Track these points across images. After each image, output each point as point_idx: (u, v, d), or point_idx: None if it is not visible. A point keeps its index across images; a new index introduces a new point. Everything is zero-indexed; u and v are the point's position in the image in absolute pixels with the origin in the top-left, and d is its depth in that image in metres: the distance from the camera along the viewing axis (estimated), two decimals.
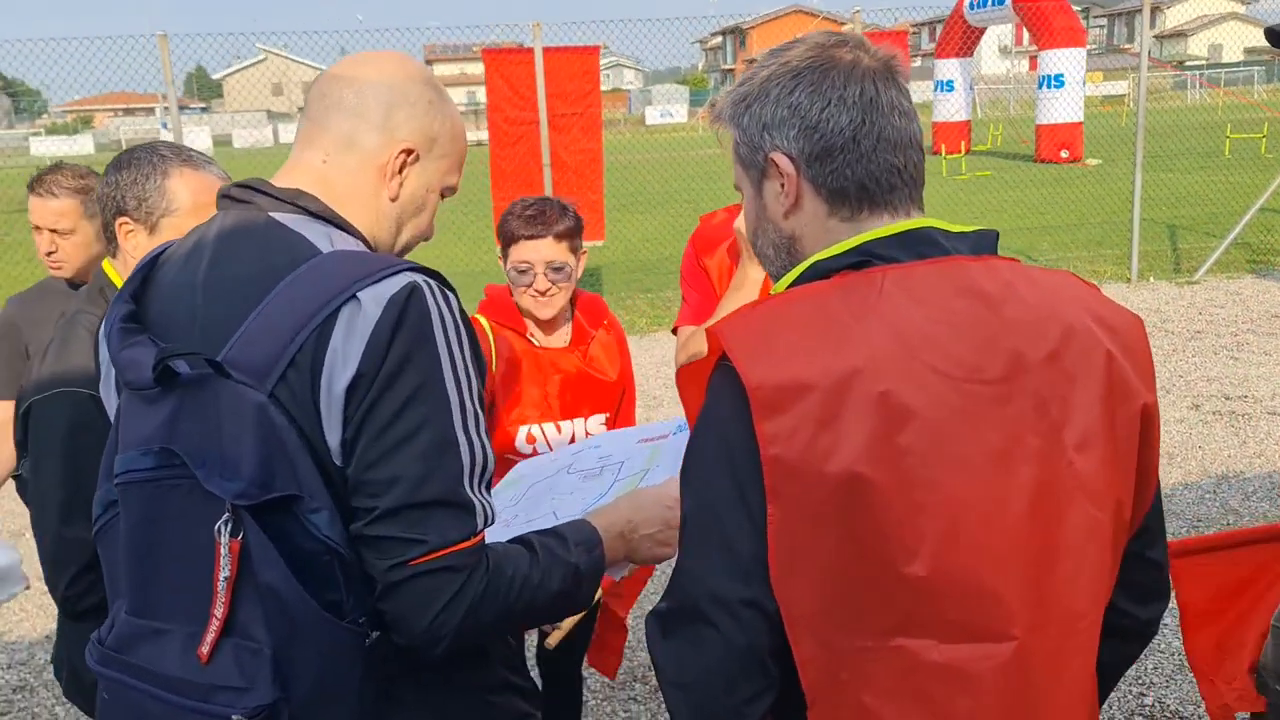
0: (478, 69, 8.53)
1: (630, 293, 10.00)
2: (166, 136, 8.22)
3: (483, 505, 1.24)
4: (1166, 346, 7.26)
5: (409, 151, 1.37)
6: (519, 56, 8.27)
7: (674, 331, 2.40)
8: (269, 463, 1.17)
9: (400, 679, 1.28)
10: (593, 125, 8.49)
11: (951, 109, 23.87)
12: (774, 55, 1.18)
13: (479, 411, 1.26)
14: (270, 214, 1.31)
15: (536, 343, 2.46)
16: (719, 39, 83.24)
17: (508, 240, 2.39)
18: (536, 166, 8.29)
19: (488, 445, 1.27)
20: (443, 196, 1.46)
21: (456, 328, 1.26)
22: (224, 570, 1.18)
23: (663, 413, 6.47)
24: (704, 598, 1.07)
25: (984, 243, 1.16)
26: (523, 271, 2.37)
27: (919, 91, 32.96)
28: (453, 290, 1.30)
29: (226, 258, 1.28)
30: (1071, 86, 20.73)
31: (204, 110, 65.65)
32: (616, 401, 2.58)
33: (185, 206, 1.85)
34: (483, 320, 2.45)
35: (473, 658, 1.36)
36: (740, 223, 2.13)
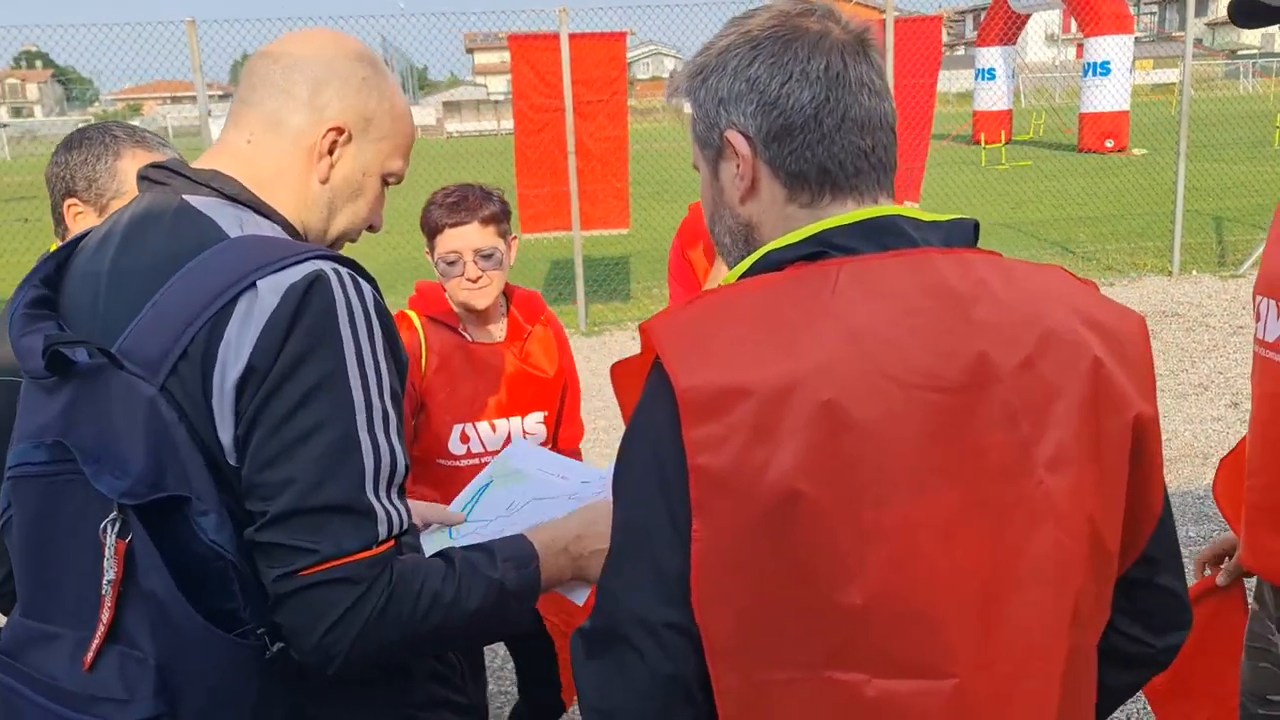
0: None
1: (656, 282, 9.89)
2: (211, 124, 8.25)
3: (388, 513, 1.15)
4: (1207, 342, 7.04)
5: (339, 131, 1.28)
6: (545, 43, 8.17)
7: None
8: (158, 460, 1.09)
9: (310, 693, 1.20)
10: (618, 112, 8.37)
11: (992, 98, 23.43)
12: (735, 23, 1.08)
13: (390, 412, 1.17)
14: (183, 197, 1.23)
15: (470, 338, 2.37)
16: None
17: (432, 231, 2.30)
18: (561, 154, 8.20)
19: (399, 449, 1.18)
20: (385, 183, 1.37)
21: (368, 320, 1.17)
22: (108, 572, 1.10)
23: None
24: (626, 619, 0.97)
25: (958, 234, 1.04)
26: (451, 262, 2.29)
27: (960, 80, 32.40)
28: (369, 280, 1.21)
29: (134, 244, 1.21)
30: (1118, 74, 20.25)
31: None
32: (556, 399, 2.49)
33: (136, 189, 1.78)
34: (413, 315, 2.36)
35: (393, 673, 1.27)
36: None
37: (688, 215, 2.32)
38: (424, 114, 44.54)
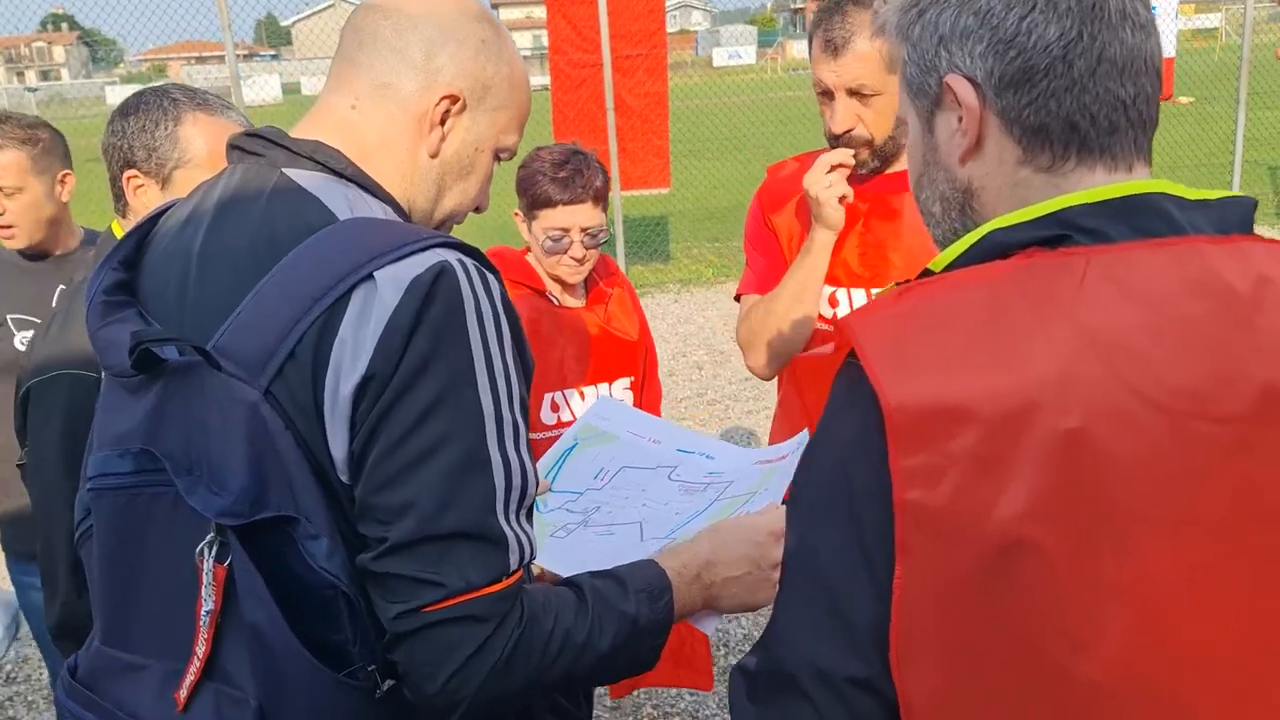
0: (544, 13, 8.22)
1: (697, 242, 9.71)
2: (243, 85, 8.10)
3: (518, 539, 1.01)
4: None
5: (454, 99, 1.13)
6: None
7: (737, 299, 2.14)
8: (261, 475, 0.96)
9: None
10: (658, 67, 8.13)
11: None
12: None
13: (520, 424, 1.03)
14: (284, 170, 1.09)
15: (555, 301, 2.25)
16: None
17: (539, 204, 2.17)
18: (600, 110, 7.98)
19: (529, 465, 1.04)
20: (498, 159, 1.22)
21: (496, 319, 1.03)
22: (206, 603, 0.97)
23: (731, 369, 6.22)
24: (801, 667, 0.82)
25: (1233, 216, 0.86)
26: (557, 239, 2.17)
27: None
28: (495, 272, 1.07)
29: (227, 223, 1.07)
30: (1164, 19, 19.52)
31: (274, 58, 66.35)
32: (640, 364, 2.38)
33: (200, 157, 1.64)
34: None
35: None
36: (809, 179, 1.85)
37: (766, 179, 2.15)
38: None
